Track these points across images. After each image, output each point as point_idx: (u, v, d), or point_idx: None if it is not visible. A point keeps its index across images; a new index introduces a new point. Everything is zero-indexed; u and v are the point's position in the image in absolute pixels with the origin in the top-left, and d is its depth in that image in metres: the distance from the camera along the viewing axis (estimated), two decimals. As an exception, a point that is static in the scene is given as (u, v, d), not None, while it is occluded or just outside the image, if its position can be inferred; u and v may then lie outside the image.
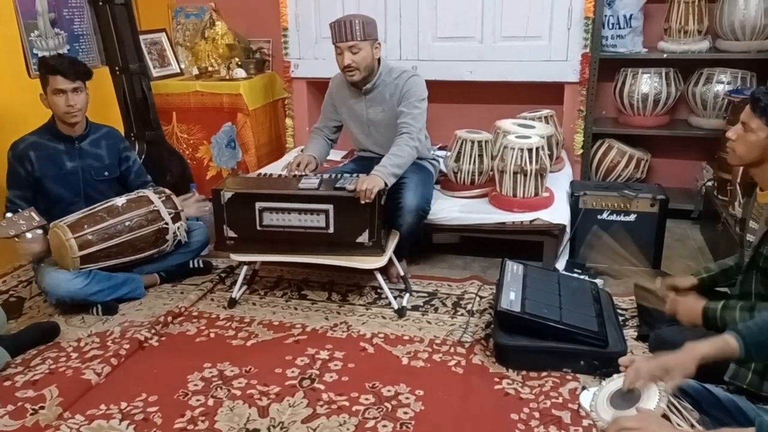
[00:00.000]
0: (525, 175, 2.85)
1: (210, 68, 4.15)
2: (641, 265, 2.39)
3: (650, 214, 2.92)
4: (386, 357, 2.37)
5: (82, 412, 2.08)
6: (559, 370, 2.22)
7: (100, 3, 3.34)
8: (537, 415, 2.01)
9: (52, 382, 2.21)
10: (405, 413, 2.03)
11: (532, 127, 3.15)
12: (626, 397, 1.42)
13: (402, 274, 2.88)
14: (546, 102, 3.59)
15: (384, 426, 1.97)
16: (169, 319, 2.63)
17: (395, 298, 2.73)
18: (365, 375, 2.24)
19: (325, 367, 2.30)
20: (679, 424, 1.32)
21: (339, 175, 2.70)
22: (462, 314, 2.65)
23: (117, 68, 3.42)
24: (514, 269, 2.56)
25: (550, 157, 3.08)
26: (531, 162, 2.83)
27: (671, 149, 3.81)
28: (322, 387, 2.18)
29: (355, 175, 2.66)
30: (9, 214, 2.55)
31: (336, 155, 3.59)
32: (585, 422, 1.95)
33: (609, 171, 3.66)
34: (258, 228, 2.61)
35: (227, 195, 2.60)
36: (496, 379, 2.20)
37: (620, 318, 2.50)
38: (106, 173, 2.90)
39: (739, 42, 3.34)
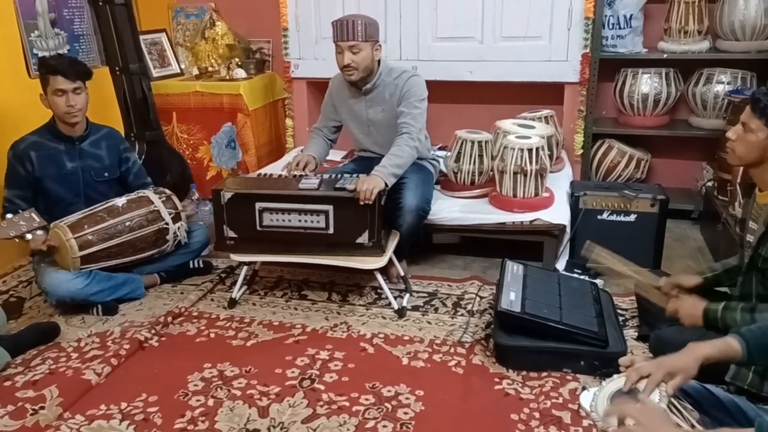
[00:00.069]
0: (525, 176, 2.85)
1: (210, 68, 4.15)
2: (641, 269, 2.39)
3: (650, 214, 2.92)
4: (386, 357, 2.37)
5: (82, 412, 2.08)
6: (560, 370, 2.22)
7: (100, 3, 3.34)
8: (537, 415, 2.01)
9: (52, 383, 2.21)
10: (405, 413, 2.03)
11: (532, 127, 3.15)
12: (626, 398, 1.42)
13: (402, 274, 2.88)
14: (546, 102, 3.59)
15: (384, 426, 1.97)
16: (169, 319, 2.63)
17: (395, 298, 2.73)
18: (365, 375, 2.24)
19: (325, 368, 2.30)
20: (679, 425, 1.32)
21: (339, 176, 2.70)
22: (462, 314, 2.65)
23: (117, 68, 3.42)
24: (514, 269, 2.56)
25: (550, 157, 3.08)
26: (531, 162, 2.83)
27: (671, 149, 3.81)
28: (322, 387, 2.18)
29: (355, 175, 2.66)
30: (9, 215, 2.55)
31: (336, 155, 3.59)
32: (585, 422, 1.95)
33: (609, 171, 3.66)
34: (258, 228, 2.61)
35: (227, 195, 2.60)
36: (497, 380, 2.20)
37: (620, 318, 2.50)
38: (106, 174, 2.89)
39: (739, 42, 3.34)
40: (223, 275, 3.06)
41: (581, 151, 3.60)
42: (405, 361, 2.33)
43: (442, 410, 2.05)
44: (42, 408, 2.08)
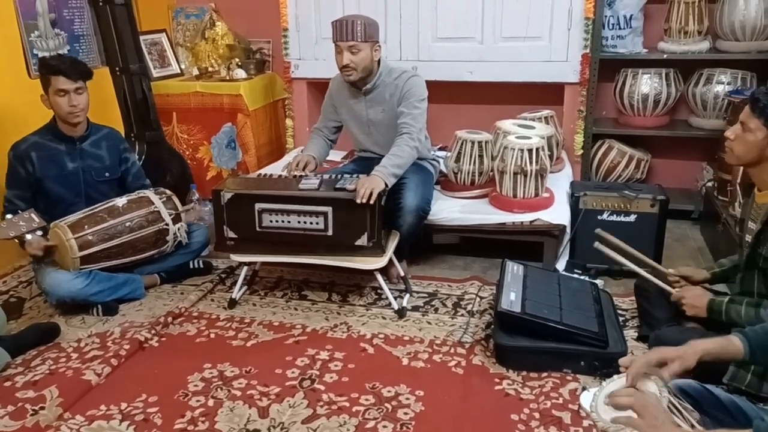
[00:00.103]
0: (525, 176, 2.85)
1: (210, 69, 4.15)
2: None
3: (650, 214, 2.92)
4: (386, 357, 2.37)
5: (82, 412, 2.08)
6: (560, 370, 2.22)
7: (101, 3, 3.34)
8: (537, 415, 2.01)
9: (53, 383, 2.21)
10: (405, 414, 2.03)
11: (532, 127, 3.15)
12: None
13: (402, 274, 2.88)
14: (546, 102, 3.59)
15: (384, 426, 1.97)
16: (170, 319, 2.63)
17: (395, 298, 2.73)
18: (365, 375, 2.24)
19: (325, 368, 2.30)
20: (679, 425, 1.32)
21: (339, 176, 2.70)
22: (462, 315, 2.65)
23: (117, 69, 3.42)
24: (514, 270, 2.56)
25: (551, 157, 3.08)
26: (531, 162, 2.83)
27: (671, 150, 3.81)
28: (322, 387, 2.18)
29: (355, 175, 2.66)
30: (9, 216, 2.55)
31: (336, 156, 3.59)
32: (585, 423, 1.95)
33: (609, 171, 3.66)
34: (257, 229, 2.61)
35: (227, 195, 2.60)
36: (497, 380, 2.20)
37: (620, 318, 2.50)
38: (106, 174, 2.90)
39: (739, 42, 3.34)
40: (223, 275, 3.06)
41: (581, 151, 3.60)
42: (405, 361, 2.33)
43: (442, 410, 2.05)
44: (42, 408, 2.08)
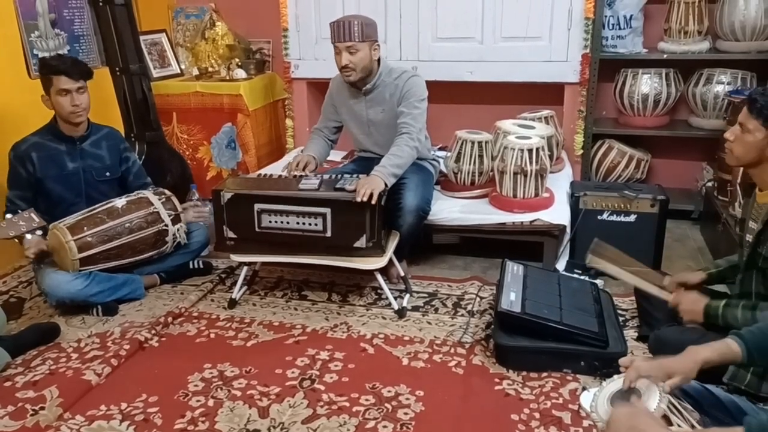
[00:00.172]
0: (525, 176, 2.85)
1: (210, 69, 4.15)
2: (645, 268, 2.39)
3: (650, 214, 2.92)
4: (386, 358, 2.37)
5: (82, 412, 2.08)
6: (560, 370, 2.22)
7: (101, 3, 3.34)
8: (537, 415, 2.01)
9: (53, 383, 2.21)
10: (405, 414, 2.03)
11: (532, 127, 3.15)
12: (626, 398, 1.42)
13: (402, 274, 2.88)
14: (546, 102, 3.60)
15: (384, 427, 1.97)
16: (170, 319, 2.63)
17: (395, 298, 2.73)
18: (365, 376, 2.24)
19: (325, 368, 2.30)
20: (679, 425, 1.32)
21: (339, 176, 2.70)
22: (462, 315, 2.65)
23: (117, 69, 3.42)
24: (514, 270, 2.56)
25: (551, 157, 3.08)
26: (531, 162, 2.83)
27: (671, 150, 3.81)
28: (322, 387, 2.18)
29: (355, 175, 2.66)
30: (9, 215, 2.55)
31: (336, 156, 3.59)
32: (585, 423, 1.95)
33: (609, 171, 3.66)
34: (257, 230, 2.61)
35: (227, 196, 2.60)
36: (497, 380, 2.20)
37: (620, 318, 2.50)
38: (107, 174, 2.90)
39: (739, 42, 3.34)
40: (223, 275, 3.06)
41: (581, 151, 3.60)
42: (405, 361, 2.33)
43: (442, 411, 2.05)
44: (42, 408, 2.08)
